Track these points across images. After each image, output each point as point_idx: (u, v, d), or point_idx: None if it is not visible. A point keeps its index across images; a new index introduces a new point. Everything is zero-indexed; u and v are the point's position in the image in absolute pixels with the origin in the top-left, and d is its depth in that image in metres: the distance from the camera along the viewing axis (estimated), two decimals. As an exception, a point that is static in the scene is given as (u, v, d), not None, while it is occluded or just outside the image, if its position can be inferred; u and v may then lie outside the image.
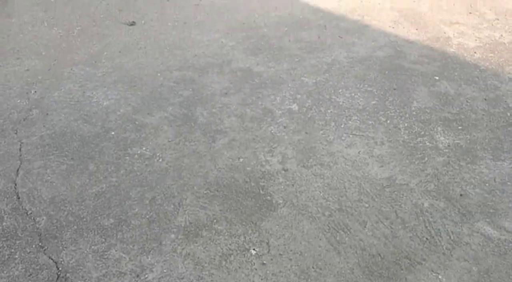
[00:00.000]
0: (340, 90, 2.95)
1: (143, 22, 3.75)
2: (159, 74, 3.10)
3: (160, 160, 2.40)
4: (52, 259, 1.91)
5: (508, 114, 2.74)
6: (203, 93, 2.94)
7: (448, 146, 2.50)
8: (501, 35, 3.55)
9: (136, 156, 2.43)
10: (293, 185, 2.25)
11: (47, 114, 2.76)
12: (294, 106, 2.81)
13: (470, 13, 3.87)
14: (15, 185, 2.27)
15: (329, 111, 2.77)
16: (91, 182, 2.27)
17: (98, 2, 4.10)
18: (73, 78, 3.10)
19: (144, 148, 2.48)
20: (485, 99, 2.86)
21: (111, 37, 3.57)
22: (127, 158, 2.42)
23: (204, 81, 3.06)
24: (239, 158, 2.42)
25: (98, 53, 3.37)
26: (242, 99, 2.90)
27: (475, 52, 3.33)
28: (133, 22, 3.73)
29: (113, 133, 2.59)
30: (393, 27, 3.65)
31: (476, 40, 3.49)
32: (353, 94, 2.91)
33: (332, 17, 3.81)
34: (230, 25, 3.72)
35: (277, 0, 4.09)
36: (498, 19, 3.78)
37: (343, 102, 2.84)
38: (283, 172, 2.33)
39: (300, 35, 3.56)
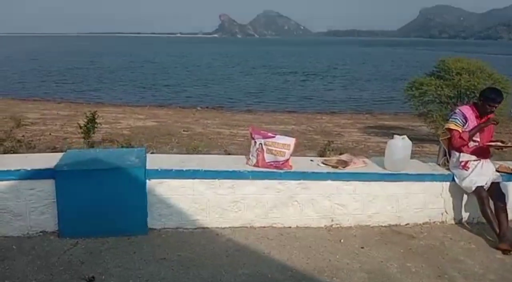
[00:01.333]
0: None
1: (103, 277, 3.55)
2: None
3: None
4: None
5: None
6: None
7: None
8: None
9: None
10: None
11: None
12: None
13: (439, 276, 3.84)
14: None
15: None
16: None
17: (62, 252, 3.97)
18: None
19: None
20: None
21: (64, 295, 3.31)
22: None
23: None
24: None
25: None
26: None
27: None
28: (93, 277, 3.54)
29: None
30: (363, 290, 3.53)
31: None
32: None
33: (301, 277, 3.71)
34: (195, 284, 3.56)
35: (246, 256, 4.04)
36: (468, 283, 3.74)
37: None
38: None
39: (267, 298, 3.38)
